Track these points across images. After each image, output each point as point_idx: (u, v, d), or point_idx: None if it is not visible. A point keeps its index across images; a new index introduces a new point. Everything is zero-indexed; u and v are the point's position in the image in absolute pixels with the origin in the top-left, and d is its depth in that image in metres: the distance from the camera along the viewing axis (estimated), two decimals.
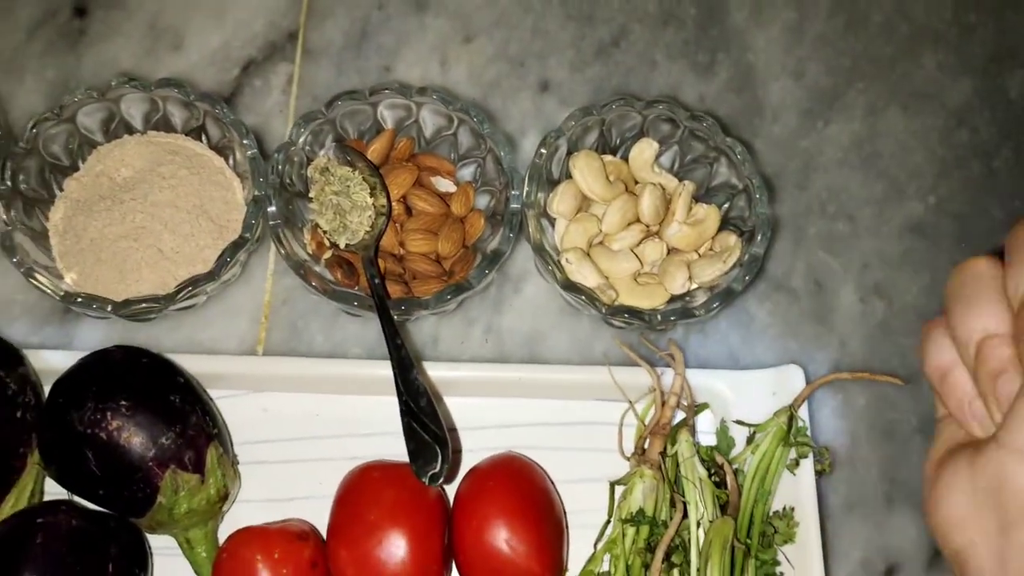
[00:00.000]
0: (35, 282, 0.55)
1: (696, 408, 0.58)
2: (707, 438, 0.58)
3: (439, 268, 0.60)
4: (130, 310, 0.55)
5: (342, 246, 0.59)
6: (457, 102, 0.60)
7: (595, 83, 0.70)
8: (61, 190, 0.61)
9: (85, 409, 0.50)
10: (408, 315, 0.57)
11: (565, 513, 0.56)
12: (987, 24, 0.73)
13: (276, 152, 0.58)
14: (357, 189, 0.59)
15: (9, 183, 0.57)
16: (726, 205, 0.61)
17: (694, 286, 0.59)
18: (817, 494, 0.56)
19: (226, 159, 0.62)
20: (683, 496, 0.54)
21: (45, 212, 0.60)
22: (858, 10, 0.73)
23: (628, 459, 0.56)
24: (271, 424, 0.58)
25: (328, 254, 0.60)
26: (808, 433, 0.56)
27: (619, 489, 0.55)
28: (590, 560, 0.54)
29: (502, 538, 0.51)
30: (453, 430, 0.59)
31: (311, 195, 0.60)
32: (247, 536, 0.52)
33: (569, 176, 0.61)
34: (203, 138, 0.62)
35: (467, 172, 0.63)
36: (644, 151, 0.61)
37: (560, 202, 0.60)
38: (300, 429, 0.58)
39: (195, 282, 0.56)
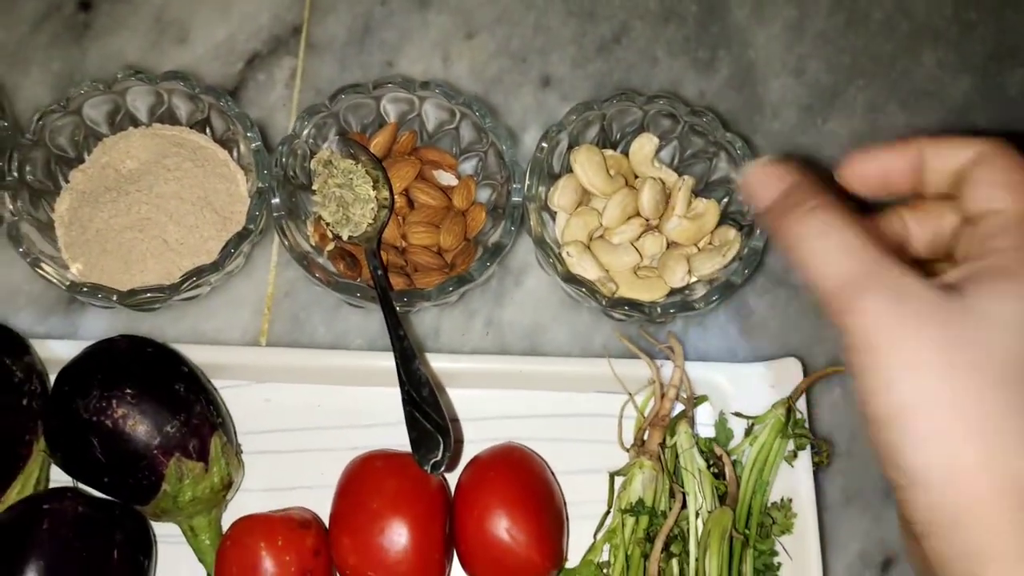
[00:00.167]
0: (41, 272, 0.56)
1: (695, 400, 0.58)
2: (706, 430, 0.59)
3: (441, 261, 0.60)
4: (135, 300, 0.56)
5: (345, 238, 0.59)
6: (460, 96, 0.60)
7: (596, 79, 0.70)
8: (67, 181, 0.61)
9: (91, 397, 0.51)
10: (410, 306, 0.58)
11: (565, 503, 0.57)
12: (987, 22, 0.73)
13: (280, 145, 0.59)
14: (360, 182, 0.59)
15: (15, 174, 0.58)
16: (726, 200, 0.62)
17: (693, 279, 0.60)
18: (815, 486, 0.56)
19: (230, 152, 0.62)
20: (682, 487, 0.54)
21: (51, 203, 0.60)
22: (859, 8, 0.73)
23: (628, 450, 0.57)
24: (274, 414, 0.59)
25: (331, 246, 0.61)
26: (806, 425, 0.57)
27: (619, 480, 0.56)
28: (590, 550, 0.55)
29: (503, 527, 0.52)
30: (455, 421, 0.59)
31: (314, 187, 0.61)
32: (250, 524, 0.53)
33: (570, 170, 0.61)
34: (208, 131, 0.63)
35: (469, 166, 0.63)
36: (644, 146, 0.62)
37: (561, 196, 0.61)
38: (302, 419, 0.59)
39: (199, 273, 0.56)
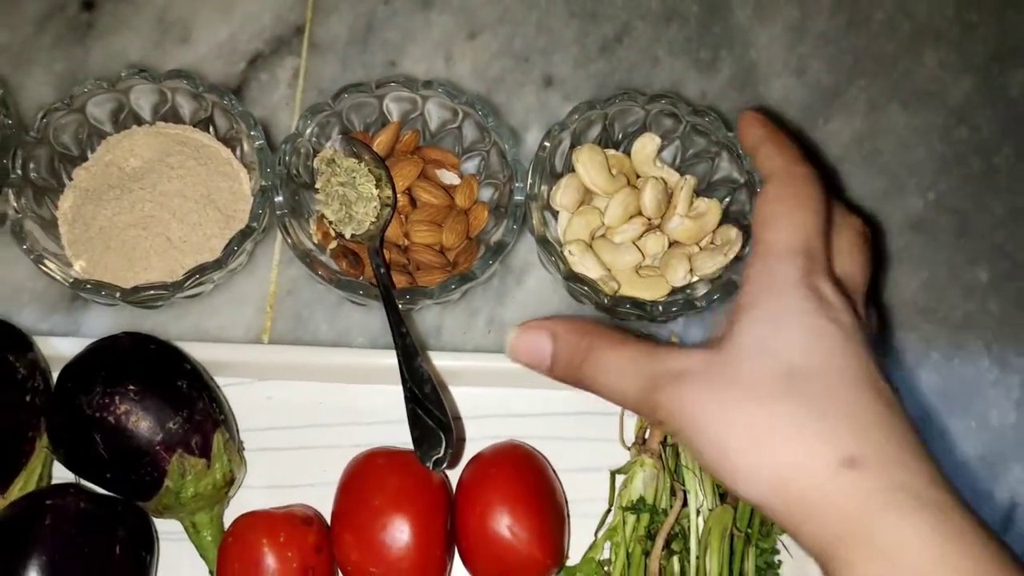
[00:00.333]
0: (45, 269, 0.56)
1: None
2: None
3: (443, 259, 0.61)
4: (138, 297, 0.56)
5: (348, 236, 0.59)
6: (462, 95, 0.60)
7: (598, 79, 0.70)
8: (70, 179, 0.61)
9: (94, 393, 0.51)
10: (412, 304, 0.58)
11: (566, 501, 0.57)
12: (989, 23, 0.73)
13: (283, 143, 0.59)
14: (363, 180, 0.60)
15: (19, 172, 0.58)
16: (727, 199, 0.62)
17: (695, 278, 0.60)
18: None
19: (233, 150, 0.63)
20: (683, 485, 0.55)
21: (55, 201, 0.61)
22: (860, 8, 0.73)
23: (629, 449, 0.57)
24: (276, 412, 0.59)
25: (334, 244, 0.61)
26: None
27: (620, 478, 0.56)
28: (591, 547, 0.55)
29: (504, 524, 0.52)
30: (457, 418, 0.59)
31: (317, 186, 0.61)
32: (252, 520, 0.53)
33: (572, 169, 0.61)
34: (211, 129, 0.63)
35: (471, 165, 0.64)
36: (646, 145, 0.62)
37: (563, 195, 0.61)
38: (304, 417, 0.59)
39: (202, 270, 0.57)
